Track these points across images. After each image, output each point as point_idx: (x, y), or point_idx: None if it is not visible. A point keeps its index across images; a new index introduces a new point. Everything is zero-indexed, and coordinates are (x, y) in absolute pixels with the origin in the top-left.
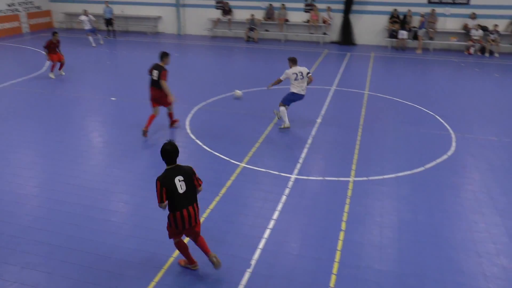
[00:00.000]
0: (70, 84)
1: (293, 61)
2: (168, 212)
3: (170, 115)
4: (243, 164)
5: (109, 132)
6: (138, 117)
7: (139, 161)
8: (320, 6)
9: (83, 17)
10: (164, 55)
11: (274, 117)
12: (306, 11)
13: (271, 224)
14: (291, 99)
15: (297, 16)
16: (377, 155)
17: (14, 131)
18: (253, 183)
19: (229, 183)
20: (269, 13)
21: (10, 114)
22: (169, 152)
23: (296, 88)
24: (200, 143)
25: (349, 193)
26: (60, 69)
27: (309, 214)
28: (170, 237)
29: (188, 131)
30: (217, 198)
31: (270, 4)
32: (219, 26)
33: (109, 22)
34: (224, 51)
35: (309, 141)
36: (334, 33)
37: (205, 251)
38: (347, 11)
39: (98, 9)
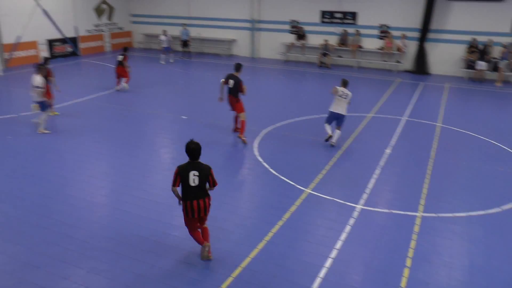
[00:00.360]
0: (145, 101)
1: (344, 83)
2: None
3: (236, 118)
4: (308, 190)
5: (178, 149)
6: (207, 136)
7: None
8: (395, 33)
9: (162, 37)
10: (239, 66)
11: (342, 144)
12: (380, 38)
13: (334, 253)
14: (329, 117)
15: (371, 43)
16: (448, 191)
17: (90, 143)
18: (318, 210)
19: (293, 208)
20: (343, 39)
21: (88, 127)
22: (192, 149)
23: (333, 106)
24: (267, 166)
25: (416, 228)
26: (126, 82)
27: (373, 246)
28: (185, 225)
29: (256, 153)
30: (280, 223)
31: (345, 30)
32: (292, 50)
33: (185, 44)
34: (296, 75)
35: (377, 171)
36: (408, 62)
37: (204, 239)
38: (422, 39)
39: (175, 31)
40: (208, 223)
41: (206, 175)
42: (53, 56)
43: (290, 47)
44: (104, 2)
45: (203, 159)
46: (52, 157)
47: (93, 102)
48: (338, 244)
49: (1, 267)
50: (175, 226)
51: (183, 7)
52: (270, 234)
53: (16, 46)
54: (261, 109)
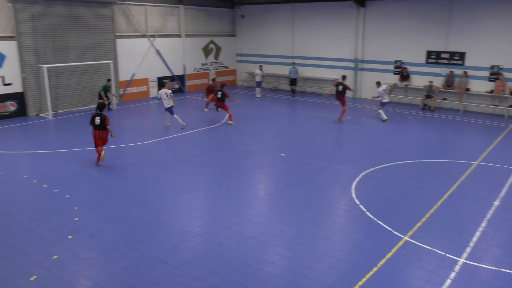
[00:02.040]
0: (245, 137)
1: (378, 83)
2: None
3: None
4: (406, 238)
5: (275, 185)
6: (305, 175)
7: (300, 217)
8: (507, 75)
9: (258, 71)
10: (345, 76)
11: (445, 192)
12: (491, 80)
13: None
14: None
15: (480, 86)
16: None
17: (189, 174)
18: (415, 260)
19: (389, 255)
20: (449, 81)
21: (188, 159)
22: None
23: (387, 98)
24: (364, 209)
25: None
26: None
27: None
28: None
29: (353, 195)
30: (375, 268)
31: (451, 71)
32: (394, 91)
33: (293, 82)
34: (398, 117)
35: (483, 224)
36: None
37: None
38: None
39: (278, 69)
40: (299, 262)
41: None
42: None
43: (392, 88)
44: (212, 42)
45: (296, 197)
46: (153, 186)
47: (193, 136)
48: None
49: (101, 284)
50: (266, 261)
51: (287, 46)
52: (364, 280)
53: (130, 82)
54: (361, 150)
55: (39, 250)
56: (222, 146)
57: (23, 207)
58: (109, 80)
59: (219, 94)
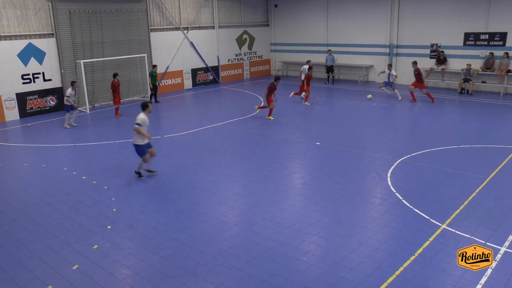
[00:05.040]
0: (279, 127)
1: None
2: None
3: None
4: (444, 226)
5: (310, 175)
6: (340, 163)
7: (336, 206)
8: None
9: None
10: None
11: (485, 178)
12: None
13: None
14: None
15: None
16: None
17: (225, 164)
18: (454, 249)
19: (426, 243)
20: (489, 63)
21: (224, 149)
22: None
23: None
24: (400, 197)
25: None
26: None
27: None
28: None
29: (389, 183)
30: (412, 258)
31: (491, 53)
32: (431, 76)
33: (330, 69)
34: (435, 102)
35: None
36: None
37: None
38: None
39: (312, 58)
40: (336, 252)
41: None
42: (196, 84)
43: (429, 72)
44: (246, 33)
45: (332, 187)
46: (189, 177)
47: (229, 126)
48: None
49: (140, 273)
50: (303, 251)
51: (321, 34)
52: (401, 269)
53: (164, 75)
54: (397, 137)
55: (80, 240)
56: (258, 136)
57: (64, 198)
58: (154, 66)
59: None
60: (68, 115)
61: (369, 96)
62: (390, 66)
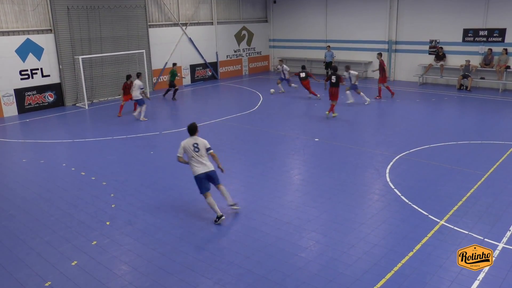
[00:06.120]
0: (278, 123)
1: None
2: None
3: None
4: (442, 222)
5: (309, 171)
6: (339, 159)
7: (335, 202)
8: None
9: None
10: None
11: (483, 174)
12: None
13: None
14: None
15: None
16: None
17: (224, 160)
18: (452, 245)
19: (425, 240)
20: (488, 59)
21: (223, 145)
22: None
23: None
24: (399, 193)
25: None
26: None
27: None
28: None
29: (388, 179)
30: (411, 254)
31: (490, 49)
32: (429, 72)
33: (329, 65)
34: (433, 98)
35: None
36: None
37: None
38: None
39: (310, 54)
40: (334, 248)
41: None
42: (195, 80)
43: (427, 68)
44: (244, 29)
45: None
46: (186, 172)
47: (227, 122)
48: (475, 284)
49: (139, 269)
50: (302, 247)
51: (320, 30)
52: (399, 265)
53: (163, 71)
54: (396, 134)
55: (79, 236)
56: (256, 132)
57: (62, 194)
58: (174, 64)
59: (303, 74)
60: (144, 107)
61: (272, 90)
62: (347, 67)
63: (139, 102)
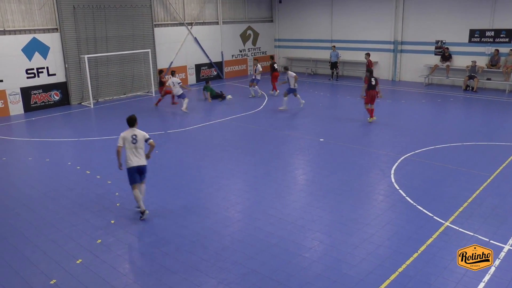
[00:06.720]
0: (283, 123)
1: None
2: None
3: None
4: (447, 223)
5: (313, 171)
6: (344, 159)
7: (339, 203)
8: None
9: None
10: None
11: (489, 176)
12: None
13: None
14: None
15: None
16: None
17: (228, 160)
18: (457, 246)
19: (429, 241)
20: (494, 60)
21: (227, 145)
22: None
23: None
24: (403, 194)
25: None
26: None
27: None
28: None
29: (393, 180)
30: (415, 255)
31: (496, 50)
32: (435, 73)
33: (334, 65)
34: (439, 99)
35: None
36: None
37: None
38: None
39: (317, 54)
40: (338, 248)
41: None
42: (200, 79)
43: (433, 69)
44: (250, 28)
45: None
46: (192, 172)
47: (232, 122)
48: (480, 286)
49: (143, 268)
50: (306, 247)
51: (325, 30)
52: (404, 266)
53: (168, 70)
54: (401, 134)
55: (83, 235)
56: (261, 132)
57: (68, 193)
58: (208, 81)
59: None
60: (187, 100)
61: (229, 97)
62: (286, 68)
63: (181, 96)
